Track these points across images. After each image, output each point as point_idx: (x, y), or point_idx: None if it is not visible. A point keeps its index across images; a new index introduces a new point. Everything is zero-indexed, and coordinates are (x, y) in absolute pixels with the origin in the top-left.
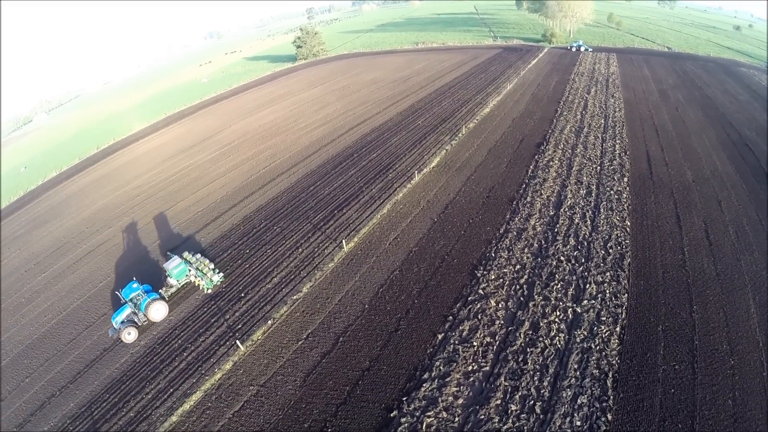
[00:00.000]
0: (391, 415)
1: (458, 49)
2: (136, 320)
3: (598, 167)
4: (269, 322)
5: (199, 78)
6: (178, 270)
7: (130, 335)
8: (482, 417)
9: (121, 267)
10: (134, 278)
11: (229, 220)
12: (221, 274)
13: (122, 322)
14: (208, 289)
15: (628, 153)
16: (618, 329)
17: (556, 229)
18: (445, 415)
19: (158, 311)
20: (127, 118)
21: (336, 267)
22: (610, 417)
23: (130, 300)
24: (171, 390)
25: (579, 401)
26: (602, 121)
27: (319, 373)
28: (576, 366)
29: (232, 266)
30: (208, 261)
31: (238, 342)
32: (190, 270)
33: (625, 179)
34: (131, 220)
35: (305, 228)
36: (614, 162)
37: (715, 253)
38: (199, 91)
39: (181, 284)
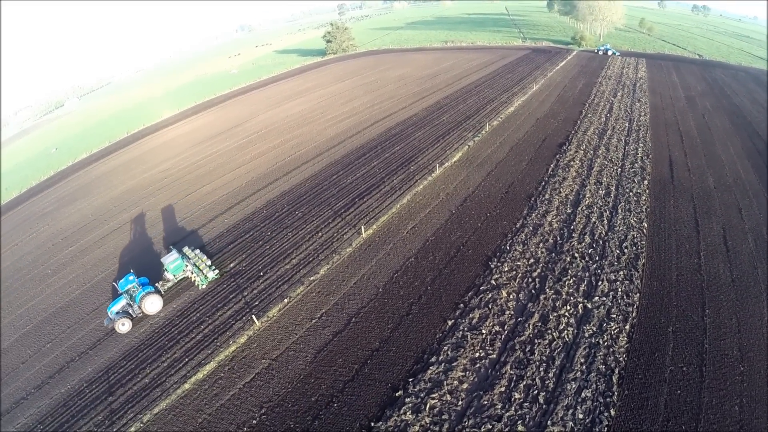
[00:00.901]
0: (396, 394)
1: (487, 48)
2: (130, 312)
3: (619, 169)
4: (285, 300)
5: (228, 69)
6: (174, 265)
7: (123, 326)
8: (485, 402)
9: (145, 244)
10: (131, 270)
11: (253, 204)
12: (217, 271)
13: (117, 313)
14: (202, 285)
15: (650, 157)
16: (627, 327)
17: (572, 227)
18: (449, 398)
19: (152, 304)
20: (157, 105)
21: (353, 252)
22: (613, 412)
23: (126, 292)
24: (186, 359)
25: (583, 395)
26: (626, 124)
27: (329, 351)
28: (582, 360)
29: (253, 247)
30: (206, 257)
31: (254, 317)
32: (186, 266)
33: (646, 182)
34: (157, 201)
35: (326, 214)
36: (636, 165)
37: (732, 259)
38: (228, 81)
39: (178, 279)
